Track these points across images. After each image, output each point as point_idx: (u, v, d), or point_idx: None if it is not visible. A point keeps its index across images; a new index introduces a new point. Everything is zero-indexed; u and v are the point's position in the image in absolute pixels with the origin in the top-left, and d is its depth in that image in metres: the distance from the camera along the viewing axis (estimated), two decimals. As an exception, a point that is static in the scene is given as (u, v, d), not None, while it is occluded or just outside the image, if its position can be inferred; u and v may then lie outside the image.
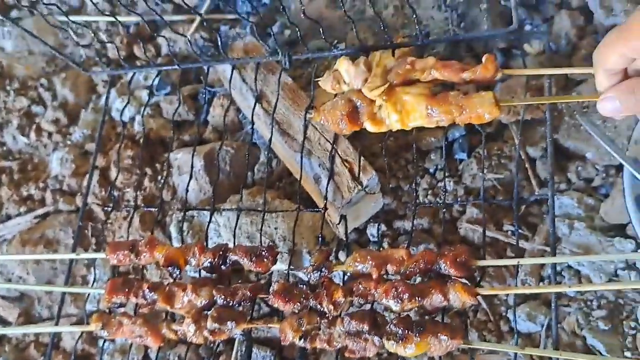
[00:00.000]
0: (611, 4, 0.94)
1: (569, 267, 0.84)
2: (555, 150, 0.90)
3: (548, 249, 0.84)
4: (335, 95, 0.79)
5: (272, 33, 0.90)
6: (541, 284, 0.84)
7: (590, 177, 0.88)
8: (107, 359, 0.89)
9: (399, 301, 0.68)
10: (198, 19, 1.09)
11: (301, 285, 0.73)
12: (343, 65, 0.78)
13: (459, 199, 0.89)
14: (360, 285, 0.71)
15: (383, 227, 0.89)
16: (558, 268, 0.85)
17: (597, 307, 0.81)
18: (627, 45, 0.49)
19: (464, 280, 0.69)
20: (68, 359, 0.90)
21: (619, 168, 0.83)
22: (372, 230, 0.89)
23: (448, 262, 0.68)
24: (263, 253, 0.75)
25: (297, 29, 0.82)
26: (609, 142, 0.79)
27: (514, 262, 0.70)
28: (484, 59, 0.72)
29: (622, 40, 0.50)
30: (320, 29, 0.80)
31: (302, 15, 0.79)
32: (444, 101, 0.73)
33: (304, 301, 0.71)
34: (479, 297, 0.83)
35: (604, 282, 0.82)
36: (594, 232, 0.84)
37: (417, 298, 0.69)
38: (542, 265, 0.84)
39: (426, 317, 0.71)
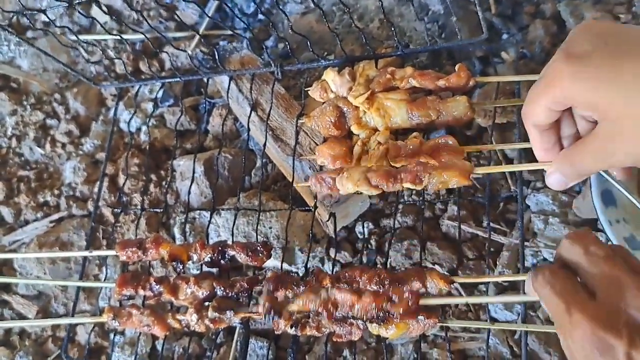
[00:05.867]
0: (582, 12, 1.00)
1: (545, 259, 0.90)
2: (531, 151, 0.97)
3: (525, 243, 0.90)
4: (324, 103, 0.86)
5: (265, 47, 0.97)
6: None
7: (565, 175, 0.94)
8: (118, 351, 0.95)
9: (382, 287, 0.74)
10: (200, 31, 1.16)
11: (293, 274, 0.80)
12: (329, 76, 0.85)
13: (440, 198, 0.96)
14: (346, 274, 0.77)
15: (370, 226, 0.95)
16: (534, 261, 0.90)
17: (570, 296, 0.86)
18: (550, 98, 0.49)
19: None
20: (82, 352, 0.95)
21: (590, 166, 0.88)
22: (360, 229, 0.95)
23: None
24: (258, 248, 0.81)
25: (287, 43, 0.89)
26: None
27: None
28: (456, 68, 0.79)
29: (544, 95, 0.49)
30: (309, 43, 0.87)
31: (290, 31, 0.87)
32: (423, 105, 0.80)
33: (295, 288, 0.78)
34: (460, 289, 0.90)
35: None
36: (567, 227, 0.89)
37: (397, 285, 0.75)
38: (518, 258, 0.90)
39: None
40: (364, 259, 0.93)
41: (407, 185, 0.72)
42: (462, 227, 0.92)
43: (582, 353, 0.43)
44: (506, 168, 0.83)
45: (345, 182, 0.75)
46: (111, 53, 1.21)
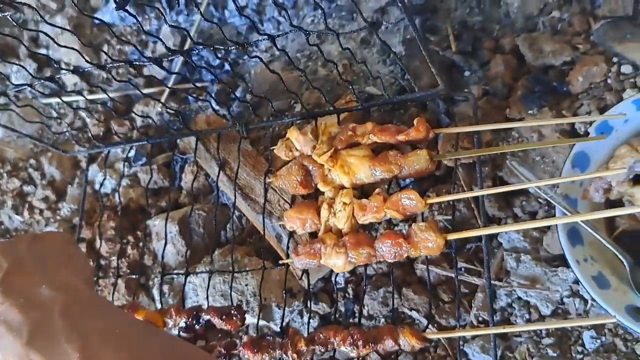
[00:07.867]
0: (540, 45, 1.01)
1: (519, 298, 0.90)
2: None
3: (499, 282, 0.90)
4: (289, 161, 0.88)
5: (233, 98, 0.97)
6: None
7: (534, 210, 0.92)
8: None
9: (355, 347, 0.76)
10: (167, 90, 1.17)
11: (269, 337, 0.81)
12: (293, 135, 0.86)
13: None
14: (321, 335, 0.78)
15: (347, 274, 0.96)
16: (509, 300, 0.91)
17: (546, 335, 0.86)
18: None
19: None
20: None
21: (559, 200, 0.89)
22: (336, 278, 0.95)
23: None
24: (232, 312, 0.83)
25: (249, 105, 0.90)
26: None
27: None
28: (415, 122, 0.80)
29: None
30: (270, 103, 0.89)
31: (249, 95, 0.88)
32: (385, 161, 0.81)
33: (272, 351, 0.79)
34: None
35: (529, 323, 0.88)
36: (539, 264, 0.89)
37: (371, 344, 0.76)
38: (493, 300, 0.90)
39: None
40: (342, 309, 0.94)
41: (389, 260, 0.77)
42: (436, 270, 0.93)
43: None
44: (479, 232, 0.82)
45: (332, 264, 0.79)
46: (83, 113, 1.22)
